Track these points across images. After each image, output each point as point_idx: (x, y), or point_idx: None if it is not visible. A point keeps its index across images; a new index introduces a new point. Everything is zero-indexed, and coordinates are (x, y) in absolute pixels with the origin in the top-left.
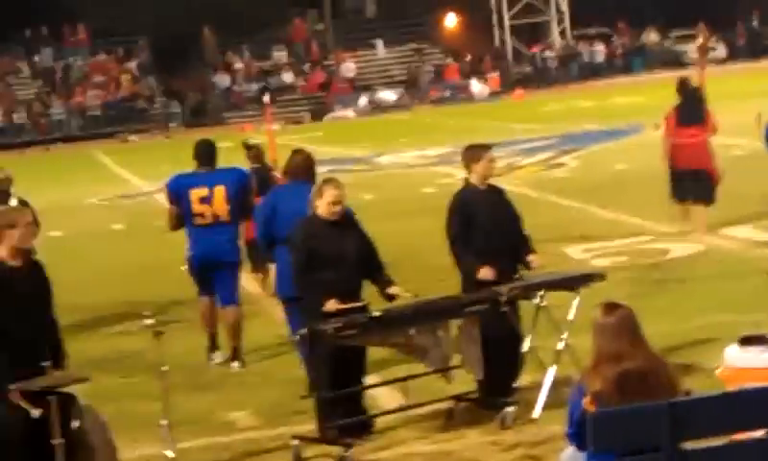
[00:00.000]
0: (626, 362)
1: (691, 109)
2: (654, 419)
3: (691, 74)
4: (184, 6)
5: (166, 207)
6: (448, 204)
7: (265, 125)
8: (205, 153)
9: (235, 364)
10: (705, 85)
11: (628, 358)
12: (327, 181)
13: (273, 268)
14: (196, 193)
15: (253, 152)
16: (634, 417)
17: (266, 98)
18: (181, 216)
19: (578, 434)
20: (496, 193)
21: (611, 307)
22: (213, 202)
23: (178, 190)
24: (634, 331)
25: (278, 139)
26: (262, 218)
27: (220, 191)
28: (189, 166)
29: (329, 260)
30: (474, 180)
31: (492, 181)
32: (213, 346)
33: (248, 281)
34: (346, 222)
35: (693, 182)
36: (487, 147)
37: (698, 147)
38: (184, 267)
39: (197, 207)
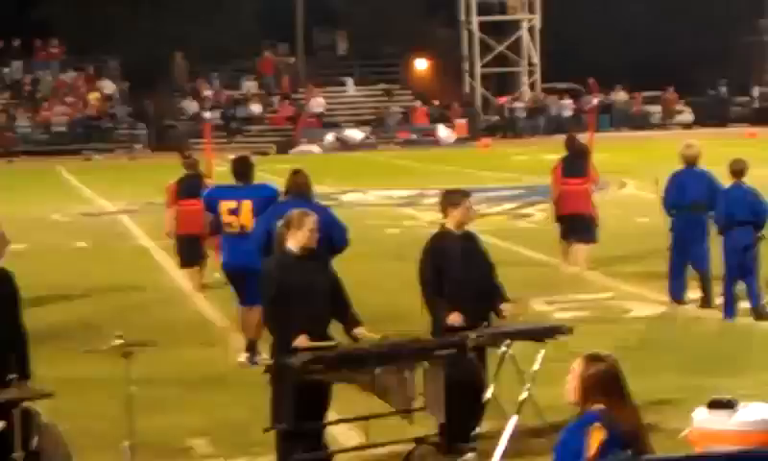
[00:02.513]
0: (625, 418)
1: (576, 163)
2: None
3: (581, 135)
4: (158, 30)
5: (131, 227)
6: (423, 246)
7: (204, 141)
8: (240, 169)
9: (245, 356)
10: (592, 143)
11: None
12: (302, 212)
13: None
14: (225, 205)
15: (189, 160)
16: None
17: (207, 114)
18: (212, 224)
19: None
20: (471, 240)
21: (596, 358)
22: (240, 213)
23: (209, 201)
24: (621, 384)
25: None
26: (262, 232)
27: (247, 204)
28: (153, 188)
29: (300, 296)
30: (450, 224)
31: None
32: (254, 350)
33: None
34: (316, 258)
35: (577, 225)
36: (466, 194)
37: (580, 194)
38: (218, 274)
39: (226, 218)
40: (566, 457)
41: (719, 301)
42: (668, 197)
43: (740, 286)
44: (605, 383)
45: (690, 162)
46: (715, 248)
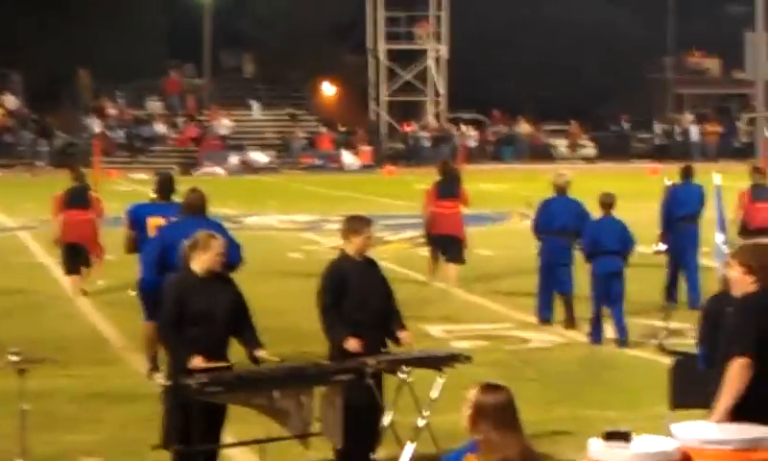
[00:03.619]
0: (508, 450)
1: (449, 186)
2: None
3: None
4: (63, 45)
5: (30, 244)
6: (323, 271)
7: (94, 155)
8: (164, 186)
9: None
10: (462, 167)
11: (510, 446)
12: (211, 235)
13: None
14: (153, 221)
15: (76, 172)
16: None
17: (97, 127)
18: (137, 241)
19: None
20: (371, 266)
21: (491, 388)
22: None
23: (136, 218)
24: (514, 416)
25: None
26: (157, 246)
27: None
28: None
29: (199, 317)
30: (350, 251)
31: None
32: (155, 367)
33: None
34: (220, 279)
35: (448, 245)
36: (368, 221)
37: (453, 217)
38: (133, 292)
39: (153, 234)
40: None
41: (586, 327)
42: (538, 222)
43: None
44: (495, 413)
45: (561, 190)
46: (582, 274)
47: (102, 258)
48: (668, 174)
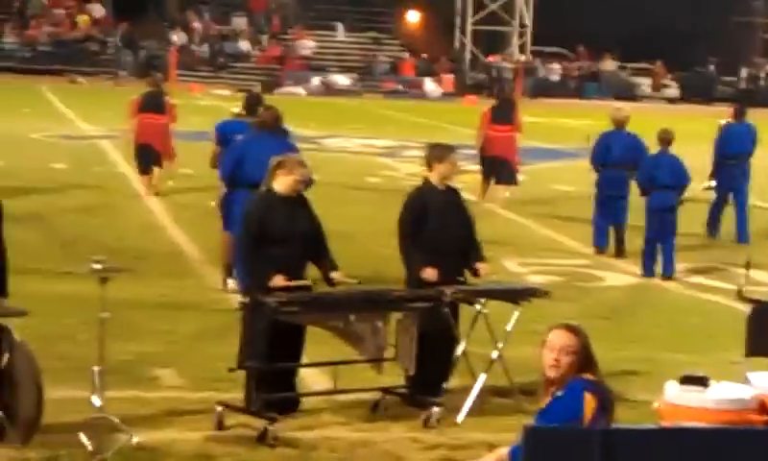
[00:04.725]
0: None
1: (504, 111)
2: (585, 444)
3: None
4: None
5: (111, 152)
6: (405, 199)
7: (171, 66)
8: (252, 104)
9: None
10: (519, 95)
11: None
12: (297, 160)
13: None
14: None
15: (153, 78)
16: (568, 438)
17: (181, 41)
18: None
19: None
20: (454, 195)
21: (569, 328)
22: None
23: (223, 134)
24: (589, 355)
25: (225, 103)
26: (232, 160)
27: None
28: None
29: (280, 237)
30: (434, 179)
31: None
32: (229, 273)
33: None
34: (299, 200)
35: (500, 168)
36: (451, 149)
37: (506, 140)
38: (213, 202)
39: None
40: (562, 419)
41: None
42: (595, 155)
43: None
44: (586, 354)
45: (619, 125)
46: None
47: (174, 161)
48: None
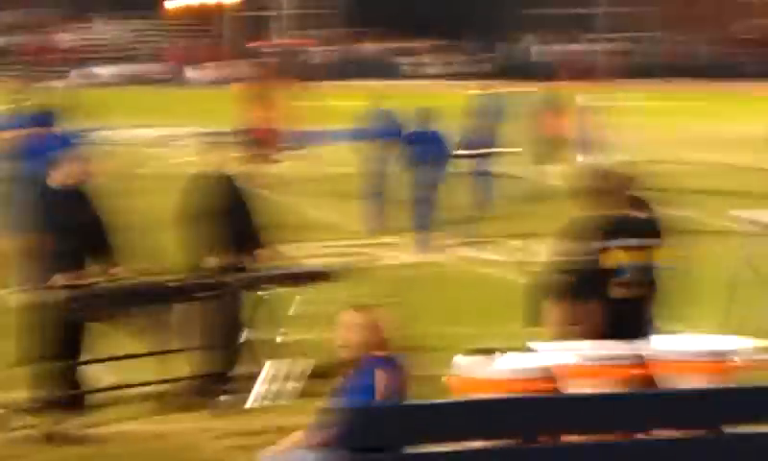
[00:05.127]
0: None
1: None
2: (380, 421)
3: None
4: None
5: None
6: (185, 185)
7: None
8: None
9: None
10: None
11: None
12: (73, 154)
13: None
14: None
15: None
16: (362, 416)
17: None
18: None
19: None
20: (233, 182)
21: (368, 309)
22: None
23: None
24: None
25: None
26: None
27: None
28: None
29: (60, 230)
30: (215, 167)
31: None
32: None
33: None
34: (78, 193)
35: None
36: (229, 135)
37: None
38: None
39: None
40: (356, 397)
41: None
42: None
43: None
44: (376, 333)
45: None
46: None
47: None
48: None
